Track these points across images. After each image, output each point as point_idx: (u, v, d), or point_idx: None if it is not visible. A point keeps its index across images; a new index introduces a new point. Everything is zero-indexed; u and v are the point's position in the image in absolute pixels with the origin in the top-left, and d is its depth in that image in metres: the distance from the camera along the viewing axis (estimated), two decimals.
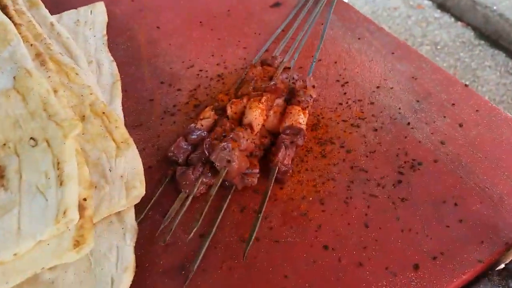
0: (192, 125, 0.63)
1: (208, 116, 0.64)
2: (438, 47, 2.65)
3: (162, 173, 0.61)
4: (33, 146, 0.55)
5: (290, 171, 0.60)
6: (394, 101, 0.71)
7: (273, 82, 0.67)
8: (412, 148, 0.64)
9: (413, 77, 0.75)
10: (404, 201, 0.57)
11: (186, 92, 0.73)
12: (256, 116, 0.62)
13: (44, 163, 0.53)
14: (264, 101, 0.64)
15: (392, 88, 0.73)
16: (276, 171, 0.59)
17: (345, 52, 0.81)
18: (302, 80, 0.71)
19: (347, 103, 0.71)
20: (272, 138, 0.64)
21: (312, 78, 0.72)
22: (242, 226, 0.55)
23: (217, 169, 0.58)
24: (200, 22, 0.89)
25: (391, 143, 0.65)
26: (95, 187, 0.55)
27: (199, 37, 0.85)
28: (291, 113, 0.64)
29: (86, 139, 0.59)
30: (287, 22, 0.88)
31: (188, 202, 0.56)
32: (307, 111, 0.66)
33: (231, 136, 0.59)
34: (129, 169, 0.57)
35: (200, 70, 0.77)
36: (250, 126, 0.62)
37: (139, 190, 0.55)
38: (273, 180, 0.58)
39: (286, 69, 0.72)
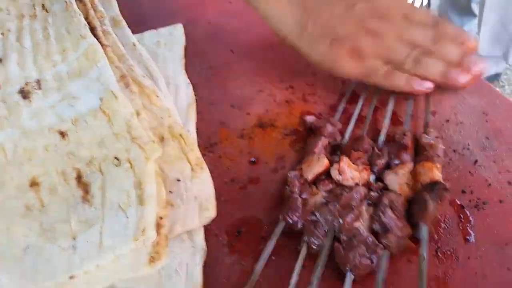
0: None
1: None
2: None
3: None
4: (116, 166, 0.60)
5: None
6: (463, 136, 0.71)
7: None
8: (478, 187, 0.64)
9: (484, 113, 0.74)
10: (466, 241, 0.57)
11: (254, 116, 0.77)
12: None
13: (126, 183, 0.58)
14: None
15: (462, 122, 0.73)
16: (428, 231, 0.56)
17: None
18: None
19: None
20: None
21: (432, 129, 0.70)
22: None
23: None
24: (271, 45, 0.92)
25: (457, 180, 0.65)
26: (172, 205, 0.59)
27: (270, 61, 0.88)
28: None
29: (164, 160, 0.64)
30: None
31: None
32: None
33: None
34: (202, 191, 0.61)
35: (269, 95, 0.81)
36: None
37: (211, 212, 0.59)
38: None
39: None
